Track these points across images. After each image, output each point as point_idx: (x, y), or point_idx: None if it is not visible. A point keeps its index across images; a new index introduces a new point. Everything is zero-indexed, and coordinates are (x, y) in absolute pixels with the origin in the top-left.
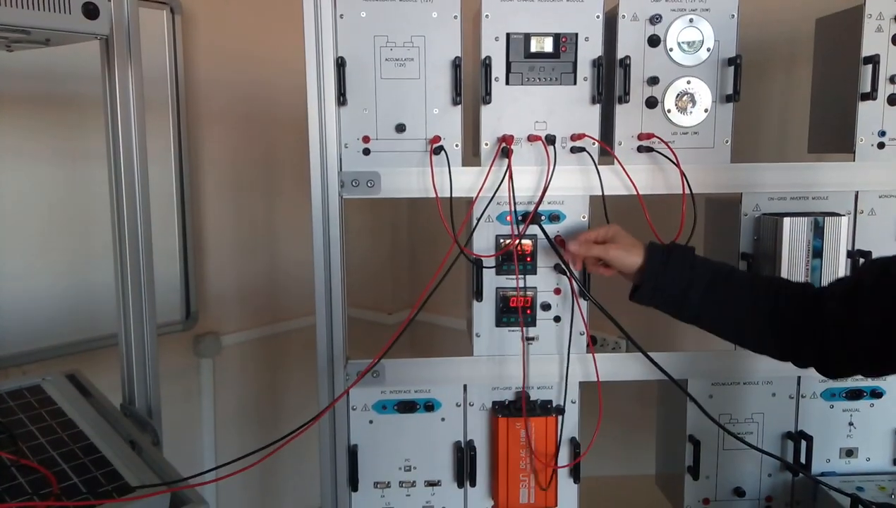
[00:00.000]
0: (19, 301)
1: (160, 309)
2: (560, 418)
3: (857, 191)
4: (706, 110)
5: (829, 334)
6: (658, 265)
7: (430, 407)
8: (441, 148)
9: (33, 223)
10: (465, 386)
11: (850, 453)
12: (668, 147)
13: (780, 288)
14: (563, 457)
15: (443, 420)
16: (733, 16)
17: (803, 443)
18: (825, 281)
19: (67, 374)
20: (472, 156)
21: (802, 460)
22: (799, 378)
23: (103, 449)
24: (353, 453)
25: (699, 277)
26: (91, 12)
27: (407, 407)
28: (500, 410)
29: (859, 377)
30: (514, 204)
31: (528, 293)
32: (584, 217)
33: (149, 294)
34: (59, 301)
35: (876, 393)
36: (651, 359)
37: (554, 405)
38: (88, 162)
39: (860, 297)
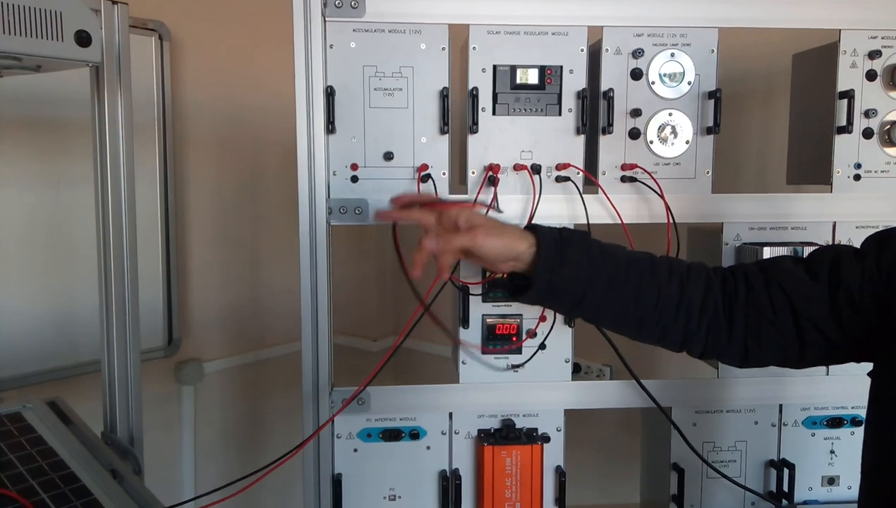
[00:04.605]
0: (0, 326)
1: (142, 335)
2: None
3: (835, 222)
4: (687, 142)
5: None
6: (553, 261)
7: (415, 435)
8: (428, 176)
9: (14, 247)
10: (450, 414)
11: (831, 481)
12: (652, 177)
13: (686, 278)
14: (549, 486)
15: (428, 448)
16: (713, 50)
17: (786, 471)
18: None
19: (48, 401)
20: (459, 184)
21: (785, 488)
22: (781, 406)
23: (84, 478)
24: (337, 482)
25: (597, 273)
26: (83, 40)
27: (392, 435)
28: (486, 438)
29: (840, 405)
30: None
31: (513, 320)
32: None
33: (133, 321)
34: (40, 326)
35: (857, 422)
36: (642, 385)
37: (539, 433)
38: (72, 186)
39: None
